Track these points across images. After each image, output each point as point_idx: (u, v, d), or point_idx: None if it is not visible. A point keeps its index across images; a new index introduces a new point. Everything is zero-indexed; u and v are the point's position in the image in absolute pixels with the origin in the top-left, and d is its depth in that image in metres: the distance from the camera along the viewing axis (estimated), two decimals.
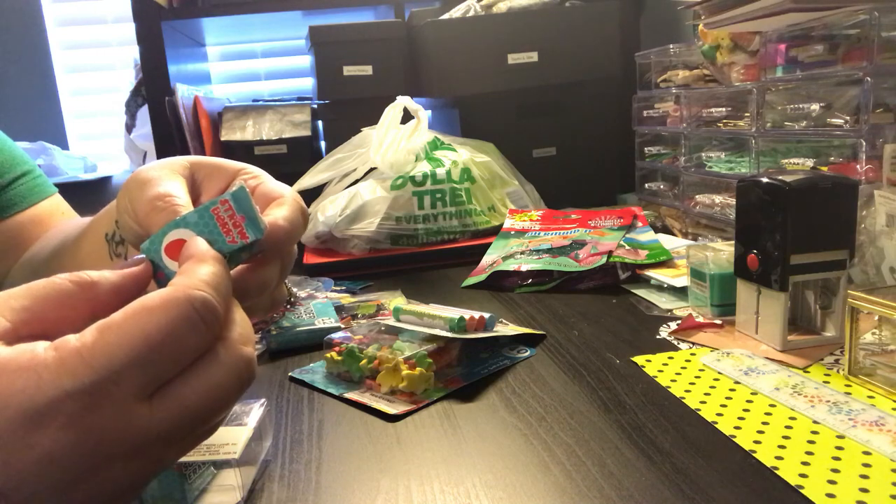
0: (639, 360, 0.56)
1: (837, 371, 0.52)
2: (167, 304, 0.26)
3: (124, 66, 1.93)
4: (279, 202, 0.37)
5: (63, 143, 1.93)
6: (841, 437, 0.42)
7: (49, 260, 0.58)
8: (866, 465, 0.39)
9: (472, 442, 0.45)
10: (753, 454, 0.41)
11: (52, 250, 0.59)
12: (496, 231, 0.98)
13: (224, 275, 0.29)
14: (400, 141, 0.99)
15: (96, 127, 2.00)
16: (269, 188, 0.38)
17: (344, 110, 1.25)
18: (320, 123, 1.33)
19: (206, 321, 0.27)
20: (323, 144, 1.35)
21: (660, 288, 0.74)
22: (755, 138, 0.83)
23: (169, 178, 0.37)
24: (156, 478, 0.37)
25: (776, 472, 0.39)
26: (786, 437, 0.43)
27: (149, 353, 0.26)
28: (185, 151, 1.27)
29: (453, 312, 0.59)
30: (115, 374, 0.25)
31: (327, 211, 0.96)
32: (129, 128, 1.66)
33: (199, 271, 0.28)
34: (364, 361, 0.54)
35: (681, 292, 0.71)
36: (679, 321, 0.64)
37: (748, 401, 0.48)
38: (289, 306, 0.65)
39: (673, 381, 0.52)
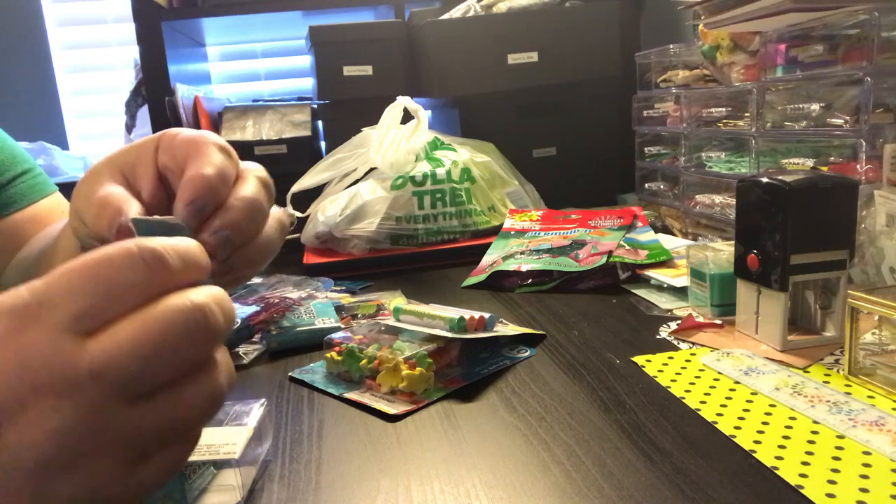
0: (639, 360, 0.56)
1: (837, 371, 0.52)
2: (113, 245, 0.27)
3: (124, 66, 1.93)
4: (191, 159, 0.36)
5: (63, 143, 1.93)
6: (841, 437, 0.42)
7: (36, 261, 0.58)
8: (866, 465, 0.39)
9: (472, 442, 0.45)
10: (753, 454, 0.41)
11: (38, 252, 0.59)
12: (496, 231, 0.98)
13: (184, 241, 0.29)
14: (400, 141, 0.99)
15: (96, 127, 2.00)
16: (185, 136, 0.38)
17: (344, 110, 1.25)
18: (320, 123, 1.33)
19: (146, 260, 0.27)
20: (323, 144, 1.35)
21: (660, 288, 0.74)
22: (755, 138, 0.83)
23: (107, 182, 0.38)
24: None
25: (776, 472, 0.39)
26: (786, 437, 0.43)
27: (81, 281, 0.26)
28: None
29: (453, 312, 0.59)
30: (48, 301, 0.25)
31: (327, 211, 0.96)
32: (129, 128, 1.66)
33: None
34: (364, 361, 0.54)
35: (681, 292, 0.71)
36: (679, 321, 0.64)
37: (748, 401, 0.48)
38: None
39: (673, 381, 0.52)
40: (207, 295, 0.28)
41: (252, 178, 0.37)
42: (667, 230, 1.02)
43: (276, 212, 0.40)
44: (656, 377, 0.53)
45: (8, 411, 0.24)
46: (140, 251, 0.27)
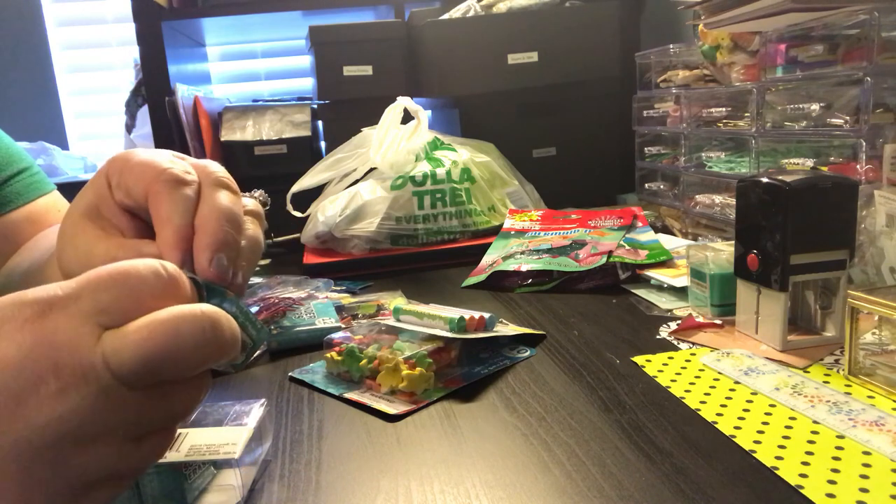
0: (639, 360, 0.56)
1: (837, 371, 0.52)
2: (142, 259, 0.30)
3: (124, 66, 1.93)
4: (158, 224, 0.35)
5: (63, 143, 1.93)
6: (841, 437, 0.42)
7: (22, 281, 0.58)
8: (866, 465, 0.39)
9: (472, 442, 0.45)
10: (753, 454, 0.41)
11: (26, 269, 0.59)
12: (496, 231, 0.98)
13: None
14: (400, 141, 0.99)
15: (96, 127, 2.00)
16: (136, 165, 0.36)
17: (344, 110, 1.25)
18: (320, 123, 1.33)
19: (169, 275, 0.30)
20: (323, 144, 1.36)
21: (660, 288, 0.74)
22: (755, 138, 0.83)
23: (92, 234, 0.38)
24: (157, 477, 0.37)
25: (776, 472, 0.39)
26: (786, 437, 0.43)
27: (108, 281, 0.28)
28: (185, 151, 1.27)
29: (453, 312, 0.59)
30: (75, 293, 0.28)
31: (327, 211, 0.96)
32: (129, 128, 1.66)
33: None
34: (364, 361, 0.54)
35: (681, 292, 0.71)
36: (679, 321, 0.64)
37: (748, 401, 0.48)
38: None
39: (673, 381, 0.52)
40: (219, 310, 0.30)
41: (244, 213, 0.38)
42: (667, 230, 1.02)
43: (252, 205, 0.40)
44: (656, 377, 0.53)
45: (31, 384, 0.26)
46: (164, 269, 0.30)
